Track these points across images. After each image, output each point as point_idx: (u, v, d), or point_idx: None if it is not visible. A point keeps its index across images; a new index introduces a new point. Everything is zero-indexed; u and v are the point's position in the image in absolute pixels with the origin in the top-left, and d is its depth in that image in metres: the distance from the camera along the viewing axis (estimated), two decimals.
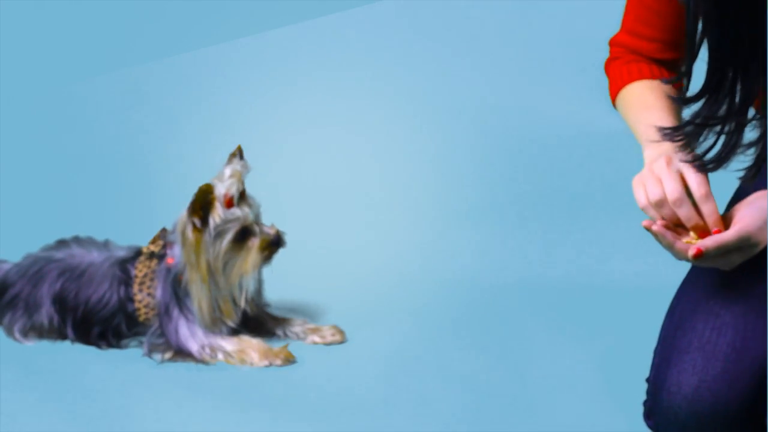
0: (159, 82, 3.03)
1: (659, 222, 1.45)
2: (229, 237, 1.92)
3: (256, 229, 1.94)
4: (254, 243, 1.94)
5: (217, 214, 1.90)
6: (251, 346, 1.94)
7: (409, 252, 2.33)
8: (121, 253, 2.02)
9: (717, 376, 1.46)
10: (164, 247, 1.97)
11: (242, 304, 1.96)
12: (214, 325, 1.95)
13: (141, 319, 1.97)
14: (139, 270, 1.98)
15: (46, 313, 2.01)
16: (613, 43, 1.70)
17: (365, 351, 1.94)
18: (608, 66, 1.70)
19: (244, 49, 3.10)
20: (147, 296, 1.96)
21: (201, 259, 1.91)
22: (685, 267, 1.62)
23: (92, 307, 1.99)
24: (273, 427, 1.71)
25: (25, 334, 2.02)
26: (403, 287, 2.17)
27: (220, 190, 1.91)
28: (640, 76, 1.63)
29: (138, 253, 2.00)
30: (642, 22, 1.65)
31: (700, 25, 1.42)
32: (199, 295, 1.93)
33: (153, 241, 1.99)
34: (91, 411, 1.78)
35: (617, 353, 1.85)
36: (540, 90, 2.93)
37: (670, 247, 1.44)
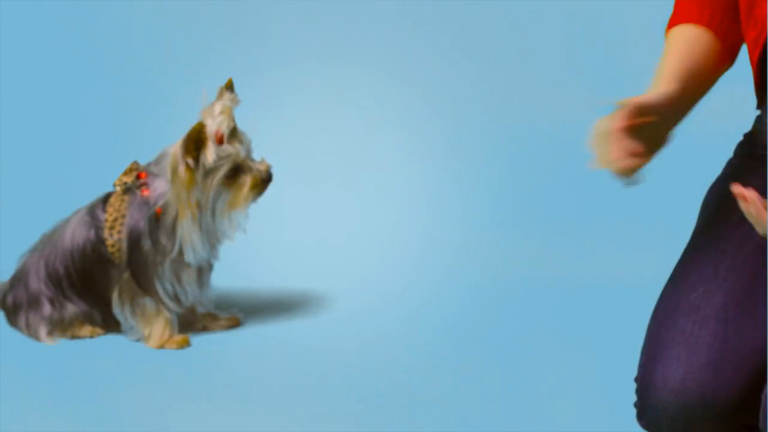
0: (159, 81, 3.03)
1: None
2: (220, 174, 1.91)
3: (247, 165, 1.93)
4: (246, 180, 1.93)
5: (209, 152, 1.90)
6: (161, 324, 1.94)
7: (408, 252, 2.33)
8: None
9: (702, 366, 1.46)
10: (138, 178, 1.95)
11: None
12: (202, 257, 1.95)
13: (116, 261, 1.96)
14: (110, 214, 1.96)
15: (46, 300, 1.99)
16: None
17: (365, 351, 1.94)
18: None
19: (244, 49, 3.10)
20: (118, 239, 1.95)
21: (192, 196, 1.90)
22: None
23: (70, 257, 1.97)
24: (273, 427, 1.71)
25: (47, 332, 2.00)
26: (402, 287, 2.17)
27: (211, 127, 1.91)
28: (699, 21, 1.61)
29: (107, 195, 1.98)
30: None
31: None
32: (189, 231, 1.92)
33: (126, 173, 1.97)
34: (90, 411, 1.79)
35: (614, 355, 1.84)
36: (540, 89, 2.93)
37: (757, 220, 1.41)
